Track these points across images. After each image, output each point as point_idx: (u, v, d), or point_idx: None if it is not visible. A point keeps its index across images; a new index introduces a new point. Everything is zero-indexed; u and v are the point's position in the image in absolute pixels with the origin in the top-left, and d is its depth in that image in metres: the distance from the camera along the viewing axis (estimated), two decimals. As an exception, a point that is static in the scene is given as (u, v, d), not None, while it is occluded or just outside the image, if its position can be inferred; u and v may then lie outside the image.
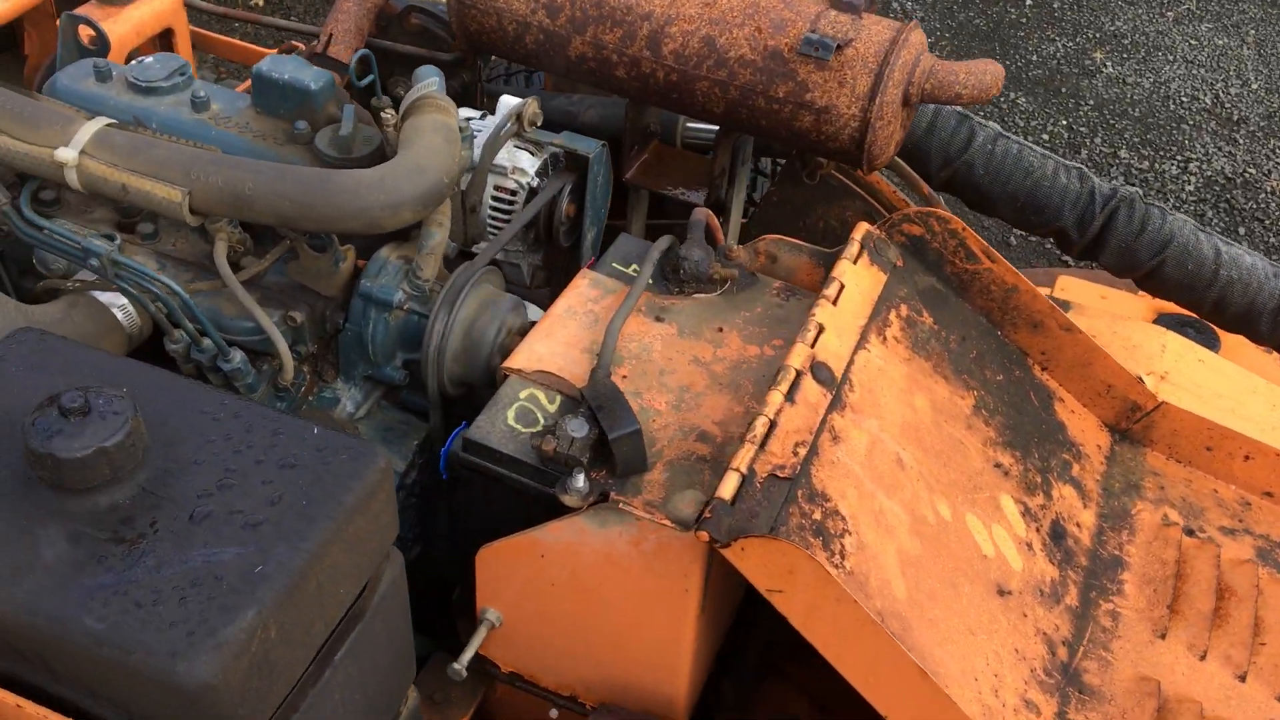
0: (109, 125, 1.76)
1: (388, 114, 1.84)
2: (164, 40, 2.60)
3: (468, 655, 1.81)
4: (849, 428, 1.78)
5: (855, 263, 1.99)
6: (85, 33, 2.24)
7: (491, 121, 2.33)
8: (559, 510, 1.70)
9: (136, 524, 1.33)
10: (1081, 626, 1.85)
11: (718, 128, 2.76)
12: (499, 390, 1.82)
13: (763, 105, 2.26)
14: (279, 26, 2.91)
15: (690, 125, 2.81)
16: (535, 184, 2.20)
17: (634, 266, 2.10)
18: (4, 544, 1.30)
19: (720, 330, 1.98)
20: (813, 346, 1.82)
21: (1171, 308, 2.92)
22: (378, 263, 1.95)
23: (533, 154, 2.23)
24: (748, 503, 1.58)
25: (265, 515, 1.36)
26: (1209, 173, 5.93)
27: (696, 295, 2.05)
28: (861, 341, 1.90)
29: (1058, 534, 1.94)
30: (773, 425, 1.69)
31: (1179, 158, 6.01)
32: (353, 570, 1.43)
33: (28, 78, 2.66)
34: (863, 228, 2.05)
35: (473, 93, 2.79)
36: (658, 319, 1.99)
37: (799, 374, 1.77)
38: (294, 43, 2.97)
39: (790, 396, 1.73)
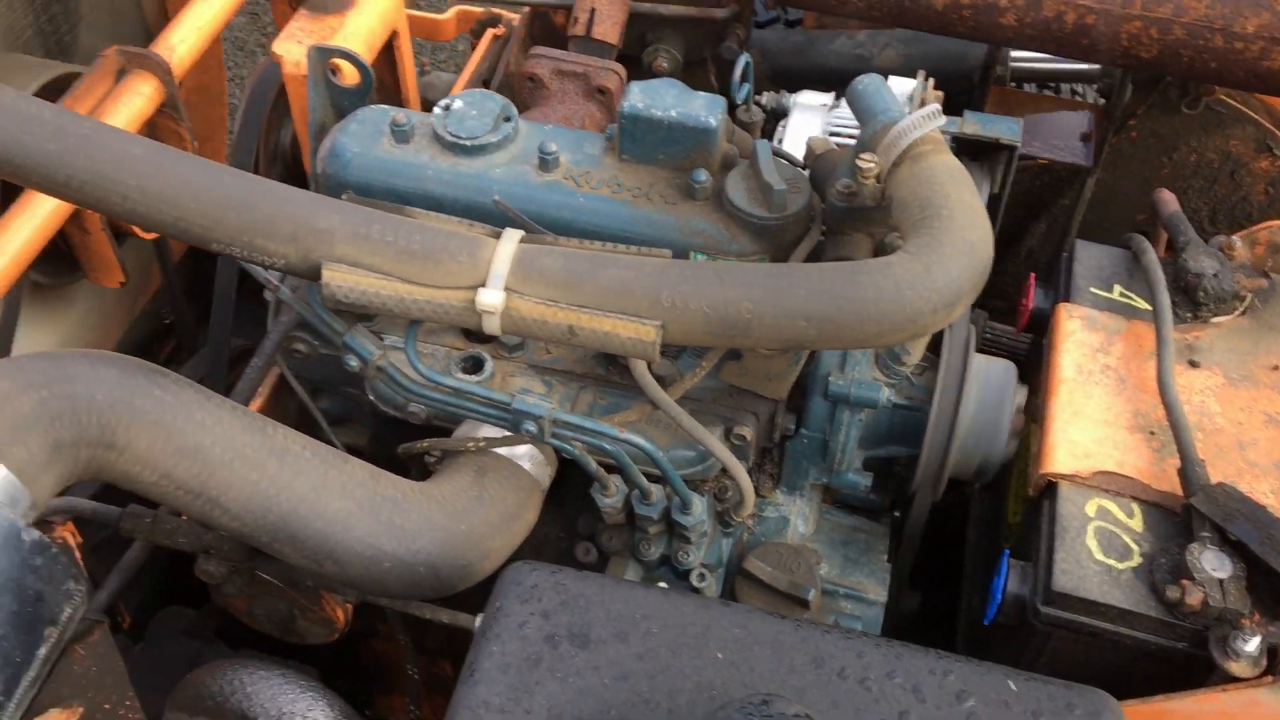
0: (524, 242, 1.27)
1: (867, 160, 1.35)
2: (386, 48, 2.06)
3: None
4: None
5: None
6: (340, 69, 1.71)
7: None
8: (1193, 668, 1.30)
9: None
10: None
11: (1066, 60, 2.26)
12: (1058, 510, 1.39)
13: (1220, 44, 1.76)
14: (510, 4, 2.33)
15: (1014, 55, 2.30)
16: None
17: (1119, 289, 1.64)
18: None
19: (1276, 368, 1.54)
20: None
21: None
22: (835, 351, 1.49)
23: (937, 150, 1.73)
24: None
25: None
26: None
27: (1216, 320, 1.59)
28: None
29: None
30: None
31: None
32: None
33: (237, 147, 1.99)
34: None
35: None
36: (1191, 363, 1.54)
37: None
38: (495, 10, 2.41)
39: None
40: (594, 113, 2.01)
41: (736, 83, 1.57)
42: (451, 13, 2.52)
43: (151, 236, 1.80)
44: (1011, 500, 1.66)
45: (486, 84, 2.29)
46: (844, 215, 1.48)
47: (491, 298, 1.23)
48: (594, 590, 1.11)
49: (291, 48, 1.84)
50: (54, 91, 1.76)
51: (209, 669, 1.44)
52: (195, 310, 2.31)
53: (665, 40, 2.23)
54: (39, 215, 1.56)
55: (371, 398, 1.56)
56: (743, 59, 1.56)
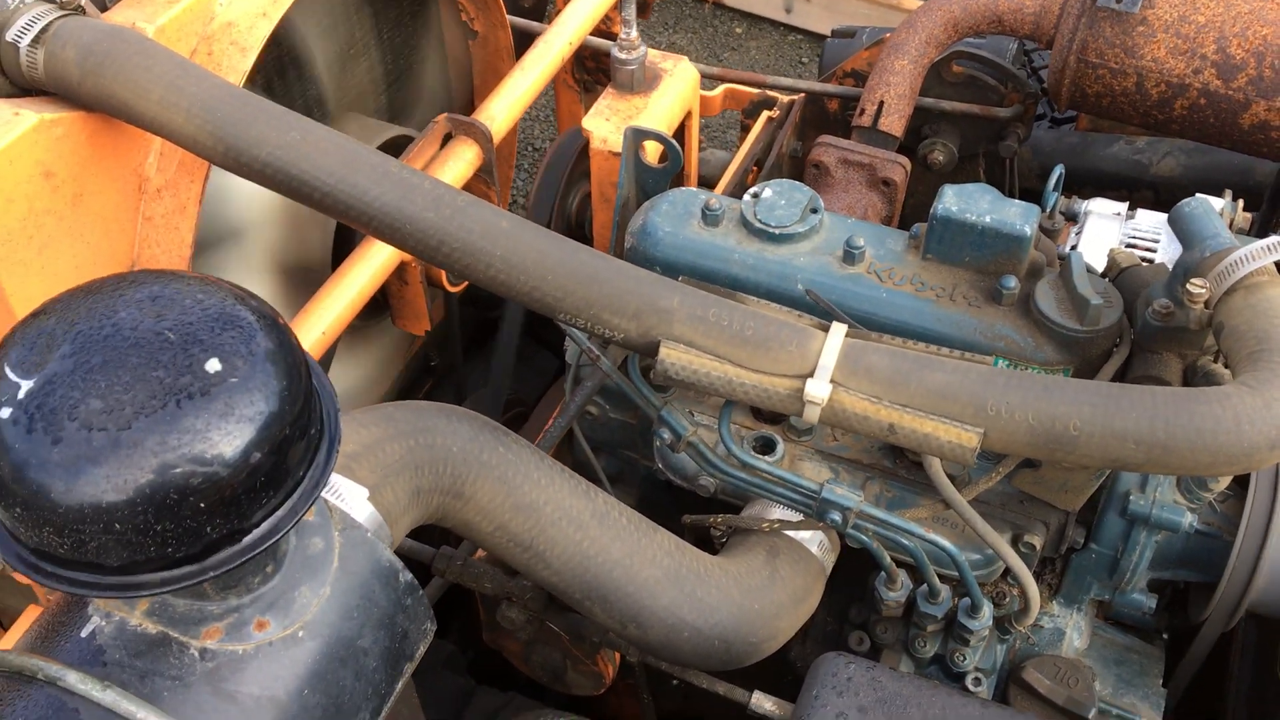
0: (850, 336, 1.31)
1: (1198, 284, 1.34)
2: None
3: None
4: None
5: None
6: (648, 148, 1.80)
7: (1151, 222, 1.82)
8: None
9: None
10: None
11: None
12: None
13: None
14: (783, 88, 2.42)
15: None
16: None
17: None
18: None
19: None
20: None
21: None
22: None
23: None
24: None
25: None
26: None
27: None
28: None
29: None
30: None
31: None
32: None
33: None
34: None
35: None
36: None
37: None
38: (770, 93, 2.48)
39: None
40: (876, 203, 2.05)
41: (1048, 190, 1.59)
42: (720, 90, 2.60)
43: (459, 289, 1.92)
44: (1296, 638, 1.61)
45: (760, 165, 2.36)
46: (1155, 334, 1.47)
47: (819, 389, 1.27)
48: (911, 691, 1.13)
49: (599, 124, 1.94)
50: (386, 151, 1.90)
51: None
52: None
53: (943, 134, 2.26)
54: (373, 267, 1.69)
55: (660, 466, 1.63)
56: (1057, 170, 1.58)
